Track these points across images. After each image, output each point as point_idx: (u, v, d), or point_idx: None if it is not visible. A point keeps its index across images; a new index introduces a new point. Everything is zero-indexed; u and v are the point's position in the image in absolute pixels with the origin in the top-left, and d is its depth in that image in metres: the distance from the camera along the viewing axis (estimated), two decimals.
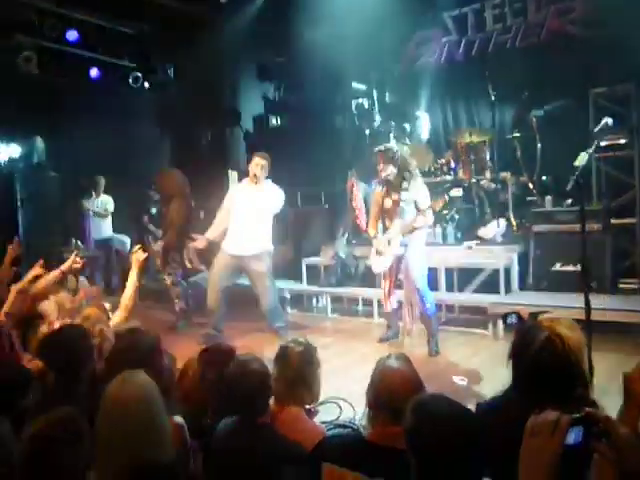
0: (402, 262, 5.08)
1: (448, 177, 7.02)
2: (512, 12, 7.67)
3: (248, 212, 5.51)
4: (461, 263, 6.35)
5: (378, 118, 8.23)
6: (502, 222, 6.49)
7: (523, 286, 6.12)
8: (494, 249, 6.30)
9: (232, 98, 9.79)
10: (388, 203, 5.12)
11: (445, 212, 6.82)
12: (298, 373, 2.45)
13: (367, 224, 5.70)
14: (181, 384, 2.62)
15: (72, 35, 7.95)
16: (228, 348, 2.71)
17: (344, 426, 2.56)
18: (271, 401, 2.36)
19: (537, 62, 6.92)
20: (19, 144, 7.99)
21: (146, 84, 9.01)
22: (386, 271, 5.19)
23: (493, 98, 6.87)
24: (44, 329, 3.27)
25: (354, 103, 8.51)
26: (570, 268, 5.67)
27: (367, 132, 8.16)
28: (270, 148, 5.78)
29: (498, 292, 5.96)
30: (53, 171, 8.19)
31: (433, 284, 5.90)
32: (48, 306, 3.47)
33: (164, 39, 8.67)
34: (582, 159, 3.37)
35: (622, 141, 6.00)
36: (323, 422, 2.57)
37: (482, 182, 6.85)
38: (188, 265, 6.65)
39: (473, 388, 4.10)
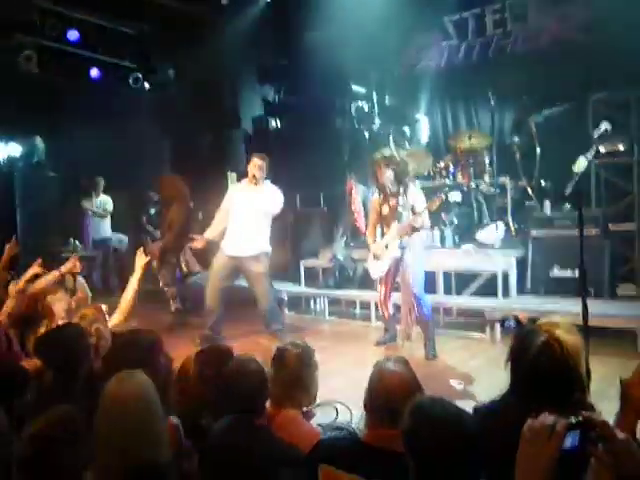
0: (399, 265, 5.08)
1: (447, 181, 7.03)
2: (512, 17, 7.68)
3: (247, 213, 5.51)
4: (459, 267, 6.36)
5: (378, 121, 8.25)
6: (501, 226, 6.49)
7: (521, 290, 6.12)
8: (492, 253, 6.30)
9: (232, 100, 9.79)
10: (385, 210, 5.16)
11: (443, 215, 6.83)
12: (295, 375, 2.44)
13: (366, 228, 5.72)
14: (178, 384, 2.62)
15: (73, 35, 7.95)
16: (226, 349, 2.71)
17: (341, 429, 2.56)
18: (268, 403, 2.36)
19: (537, 67, 6.93)
20: (19, 143, 7.99)
21: (146, 84, 9.02)
22: (383, 276, 5.21)
23: (493, 103, 6.88)
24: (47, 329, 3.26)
25: (354, 106, 8.52)
26: (568, 273, 5.68)
27: (366, 135, 8.16)
28: (269, 150, 5.79)
29: (496, 296, 5.96)
30: (52, 171, 8.20)
31: (431, 287, 5.91)
32: (58, 307, 3.47)
33: (165, 40, 8.68)
34: (581, 164, 3.39)
35: (621, 147, 6.01)
36: (320, 425, 2.57)
37: (481, 186, 6.86)
38: (184, 268, 6.67)
39: (470, 392, 4.10)
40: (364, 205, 7.14)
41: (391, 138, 7.57)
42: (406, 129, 8.02)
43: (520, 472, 1.22)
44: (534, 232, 6.22)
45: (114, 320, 3.50)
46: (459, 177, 6.97)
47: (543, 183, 6.72)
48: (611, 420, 1.54)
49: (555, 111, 6.59)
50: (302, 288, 7.44)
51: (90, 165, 8.34)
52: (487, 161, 6.87)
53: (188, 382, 2.59)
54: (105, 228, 8.82)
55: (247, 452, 2.05)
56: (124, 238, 8.85)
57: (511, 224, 6.57)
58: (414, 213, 4.97)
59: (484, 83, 7.14)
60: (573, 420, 1.19)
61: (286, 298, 7.16)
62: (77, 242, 8.22)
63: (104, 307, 3.44)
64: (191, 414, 2.37)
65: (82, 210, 8.68)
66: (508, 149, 6.97)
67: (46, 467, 1.62)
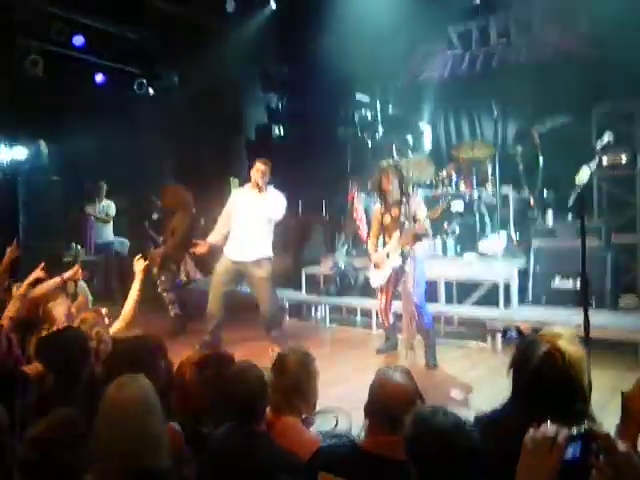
0: (400, 274, 5.08)
1: (450, 190, 7.03)
2: (517, 28, 7.73)
3: (250, 218, 5.53)
4: (461, 276, 6.35)
5: (381, 130, 8.28)
6: (503, 236, 6.50)
7: (522, 301, 6.11)
8: (494, 263, 6.30)
9: (235, 107, 9.83)
10: (387, 219, 5.16)
11: (445, 225, 6.83)
12: (295, 382, 2.44)
13: (367, 237, 5.72)
14: (177, 390, 2.61)
15: (78, 40, 8.00)
16: (226, 354, 2.71)
17: (340, 436, 2.55)
18: (268, 410, 2.35)
19: (541, 78, 6.96)
20: (23, 147, 8.01)
21: (150, 90, 9.06)
22: (383, 285, 5.20)
23: (496, 113, 6.90)
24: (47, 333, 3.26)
25: (357, 114, 8.56)
26: (570, 284, 5.68)
27: (369, 144, 8.19)
28: (272, 157, 5.79)
29: (497, 306, 5.95)
30: (55, 175, 8.21)
31: (432, 296, 5.90)
32: (59, 312, 3.47)
33: (169, 47, 8.73)
34: (583, 175, 3.38)
35: (624, 159, 6.02)
36: (319, 432, 2.56)
37: (483, 196, 6.87)
38: (183, 278, 6.68)
39: (471, 401, 4.08)
40: (366, 213, 7.15)
41: (394, 147, 7.61)
42: (409, 138, 8.05)
43: None
44: (536, 242, 6.22)
45: (116, 326, 3.49)
46: (462, 187, 6.98)
47: (545, 194, 6.73)
48: (612, 432, 1.54)
49: (558, 122, 6.60)
50: (303, 295, 7.44)
51: (93, 170, 8.36)
52: (490, 171, 6.88)
53: (185, 387, 2.59)
54: (107, 233, 8.84)
55: (246, 459, 2.05)
56: (125, 241, 8.87)
57: (513, 234, 6.58)
58: (416, 222, 4.97)
59: (487, 93, 7.17)
60: (575, 431, 1.19)
61: (287, 305, 7.16)
62: (79, 246, 8.23)
63: (104, 311, 3.44)
64: (191, 420, 2.37)
65: (85, 214, 8.69)
66: (511, 159, 6.99)
67: (47, 469, 1.62)
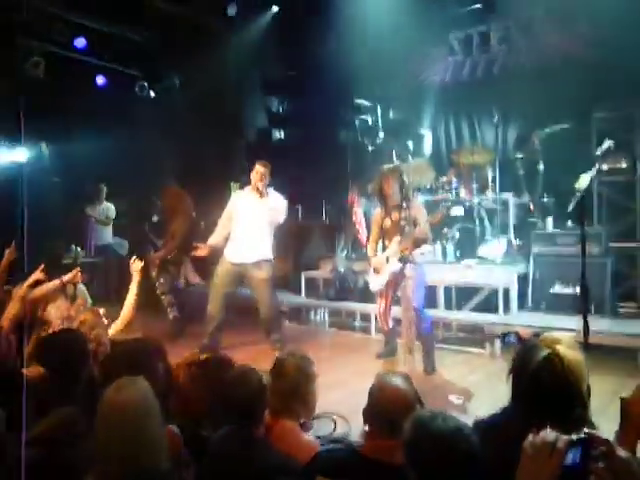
0: (400, 279, 5.07)
1: (450, 195, 7.04)
2: (517, 33, 7.75)
3: (250, 220, 5.54)
4: (460, 282, 6.35)
5: (381, 135, 8.28)
6: (502, 242, 6.50)
7: (522, 306, 6.11)
8: (494, 269, 6.30)
9: (236, 110, 9.84)
10: (387, 223, 5.14)
11: (445, 230, 6.83)
12: (294, 386, 2.43)
13: (367, 240, 5.72)
14: (175, 393, 2.61)
15: (80, 42, 8.02)
16: (226, 358, 2.70)
17: (339, 441, 2.55)
18: (266, 414, 2.35)
19: (542, 84, 6.97)
20: (24, 149, 8.01)
21: (152, 93, 9.08)
22: (382, 289, 5.19)
23: (496, 118, 6.91)
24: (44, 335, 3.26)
25: (357, 119, 8.57)
26: (570, 290, 5.68)
27: (370, 148, 8.20)
28: (272, 161, 5.80)
29: (496, 312, 5.95)
30: (56, 177, 8.21)
31: (431, 302, 5.90)
32: (53, 314, 3.47)
33: (171, 49, 8.74)
34: (583, 181, 3.39)
35: (624, 165, 6.03)
36: (318, 436, 2.56)
37: (484, 202, 6.87)
38: (182, 282, 6.69)
39: (469, 407, 4.07)
40: (366, 218, 7.14)
41: (394, 152, 7.62)
42: (409, 143, 8.06)
43: None
44: (536, 248, 6.23)
45: (115, 327, 3.49)
46: (462, 192, 6.99)
47: (545, 199, 6.74)
48: (611, 438, 1.53)
49: (559, 128, 6.61)
50: (302, 299, 7.44)
51: (93, 172, 8.36)
52: (490, 176, 6.89)
53: (180, 389, 2.58)
54: (107, 235, 8.84)
55: (245, 462, 2.04)
56: (125, 243, 8.87)
57: (513, 239, 6.58)
58: (416, 227, 4.97)
59: (488, 99, 7.19)
60: (574, 437, 1.18)
61: (286, 309, 7.15)
62: (79, 248, 8.22)
63: (101, 311, 3.43)
64: (190, 423, 2.36)
65: (85, 216, 8.70)
66: (511, 165, 7.00)
67: (49, 468, 1.62)
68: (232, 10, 8.41)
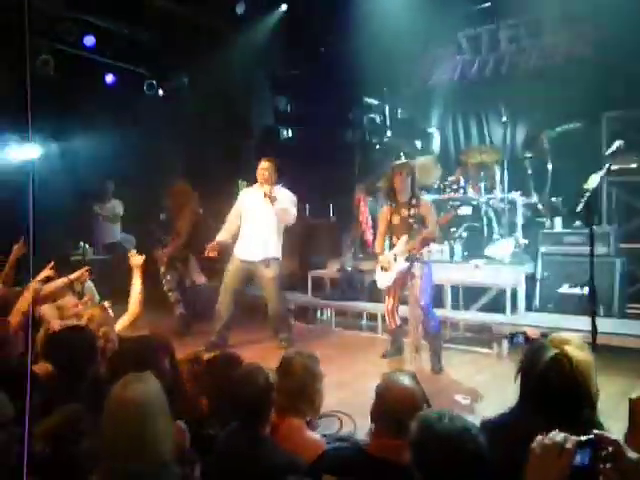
0: (408, 278, 5.05)
1: (457, 195, 7.01)
2: (527, 33, 7.71)
3: (258, 218, 5.57)
4: (468, 281, 6.33)
5: (389, 134, 8.27)
6: (510, 242, 6.47)
7: (529, 307, 6.08)
8: (501, 268, 6.27)
9: (244, 109, 9.85)
10: (396, 219, 5.09)
11: (453, 230, 6.81)
12: (300, 385, 2.44)
13: (374, 240, 5.70)
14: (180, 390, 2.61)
15: (89, 40, 8.05)
16: (235, 356, 2.71)
17: (345, 439, 2.55)
18: (273, 413, 2.35)
19: (551, 83, 6.93)
20: (33, 147, 8.05)
21: (160, 91, 9.10)
22: (390, 287, 5.16)
23: (505, 118, 6.88)
24: (41, 333, 3.27)
25: (365, 118, 8.56)
26: (578, 290, 5.64)
27: (377, 147, 8.18)
28: (279, 160, 5.81)
29: (504, 312, 5.92)
30: (64, 174, 8.24)
31: (439, 301, 5.88)
32: (48, 310, 3.48)
33: (180, 48, 8.76)
34: (592, 182, 3.36)
35: (633, 166, 5.99)
36: (324, 435, 2.56)
37: (491, 201, 6.85)
38: (188, 281, 6.71)
39: (475, 407, 4.06)
40: (373, 217, 7.13)
41: (402, 151, 7.60)
42: (417, 142, 8.03)
43: None
44: (544, 248, 6.19)
45: (123, 322, 3.50)
46: (470, 191, 6.96)
47: (554, 199, 6.70)
48: (620, 439, 1.52)
49: (568, 127, 6.57)
50: (309, 298, 7.44)
51: (101, 169, 8.39)
52: (498, 176, 6.85)
53: (193, 389, 2.59)
54: (115, 232, 8.88)
55: (251, 461, 2.05)
56: (132, 238, 8.90)
57: (521, 240, 6.54)
58: (425, 226, 4.95)
59: (497, 98, 7.15)
60: (583, 438, 1.18)
61: (293, 307, 7.15)
62: (87, 245, 8.26)
63: (107, 304, 3.44)
64: (197, 421, 2.37)
65: (93, 214, 8.74)
66: (519, 164, 6.97)
67: (56, 464, 1.62)
68: (240, 9, 8.41)
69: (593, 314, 3.30)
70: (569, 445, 1.17)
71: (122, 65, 8.68)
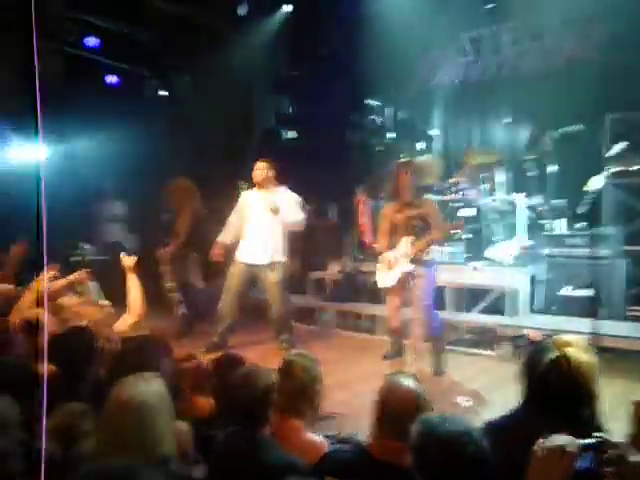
0: (410, 279, 5.03)
1: (459, 197, 7.00)
2: (529, 35, 7.71)
3: (259, 220, 5.56)
4: (469, 283, 6.32)
5: (390, 135, 8.27)
6: (512, 243, 6.45)
7: (532, 309, 6.06)
8: (503, 270, 6.26)
9: (246, 110, 9.85)
10: (399, 219, 5.05)
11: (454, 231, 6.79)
12: (301, 386, 2.43)
13: (374, 239, 5.68)
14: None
15: (92, 41, 8.07)
16: (239, 357, 2.71)
17: (346, 441, 2.54)
18: (272, 413, 2.34)
19: (553, 85, 6.93)
20: (36, 147, 8.06)
21: (162, 92, 9.11)
22: (394, 286, 5.13)
23: (507, 119, 6.88)
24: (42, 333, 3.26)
25: (367, 119, 8.55)
26: (580, 293, 5.62)
27: (378, 148, 8.18)
28: (280, 161, 5.81)
29: (506, 314, 5.90)
30: (66, 174, 8.25)
31: (440, 303, 5.86)
32: (43, 311, 3.47)
33: (182, 49, 8.77)
34: (594, 184, 3.36)
35: (636, 167, 5.97)
36: (325, 436, 2.55)
37: (493, 203, 6.83)
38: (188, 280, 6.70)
39: (477, 409, 4.05)
40: (373, 219, 7.09)
41: (402, 152, 7.59)
42: (418, 144, 8.02)
43: None
44: (546, 250, 6.17)
45: (126, 322, 3.48)
46: (471, 193, 6.95)
47: (556, 201, 6.69)
48: (622, 442, 1.51)
49: (571, 129, 6.56)
50: (310, 299, 7.42)
51: (104, 170, 8.40)
52: (500, 178, 6.84)
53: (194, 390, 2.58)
54: (117, 232, 8.89)
55: (251, 462, 2.04)
56: (133, 239, 8.91)
57: (523, 242, 6.52)
58: (428, 226, 4.93)
59: (499, 100, 7.17)
60: (586, 441, 1.17)
61: (294, 309, 7.13)
62: (89, 246, 8.26)
63: (105, 303, 3.42)
64: (200, 421, 2.36)
65: (94, 214, 8.75)
66: (521, 166, 6.96)
67: (56, 463, 1.62)
68: (242, 10, 8.42)
69: (595, 316, 3.29)
70: (572, 448, 1.16)
71: (124, 66, 8.69)
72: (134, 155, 8.43)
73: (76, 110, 8.07)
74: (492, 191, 6.90)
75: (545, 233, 6.38)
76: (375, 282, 5.42)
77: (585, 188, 3.22)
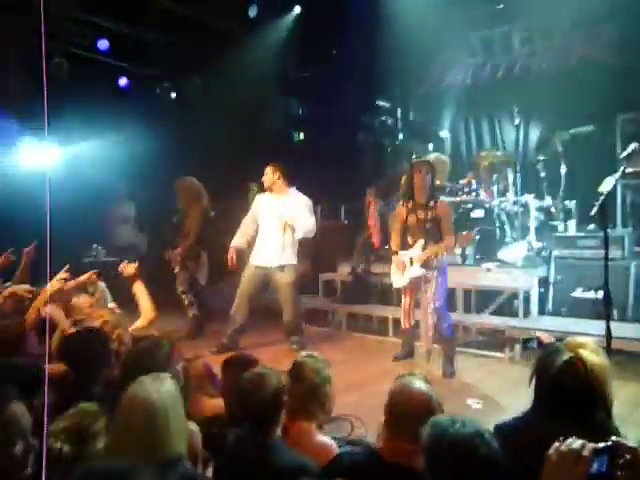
0: (423, 281, 5.01)
1: (470, 198, 6.97)
2: (540, 36, 7.67)
3: (273, 223, 5.60)
4: (480, 285, 6.29)
5: (401, 136, 8.26)
6: (523, 245, 6.42)
7: (542, 311, 6.02)
8: (514, 272, 6.23)
9: (257, 111, 9.87)
10: (412, 220, 5.04)
11: (465, 233, 6.76)
12: (311, 388, 2.43)
13: (385, 240, 5.67)
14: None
15: (103, 44, 8.12)
16: (252, 359, 2.71)
17: (356, 443, 2.54)
18: (283, 415, 2.34)
19: (564, 86, 6.89)
20: (47, 149, 8.12)
21: (173, 94, 9.15)
22: (407, 286, 5.12)
23: (518, 120, 6.84)
24: (57, 334, 3.28)
25: (377, 120, 8.55)
26: (591, 294, 5.57)
27: (389, 150, 8.17)
28: (291, 162, 5.84)
29: (516, 316, 5.87)
30: (77, 177, 8.30)
31: (451, 305, 5.84)
32: (56, 313, 3.49)
33: (192, 51, 8.80)
34: (607, 185, 3.33)
35: None
36: (335, 438, 2.55)
37: (504, 204, 6.80)
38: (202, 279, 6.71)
39: (487, 411, 4.03)
40: (383, 220, 7.07)
41: (413, 153, 7.58)
42: (429, 145, 8.00)
43: None
44: (557, 252, 6.13)
45: (136, 326, 3.50)
46: (482, 194, 6.92)
47: (568, 202, 6.65)
48: (636, 445, 1.50)
49: (582, 130, 6.52)
50: (320, 301, 7.42)
51: (114, 171, 8.44)
52: (511, 179, 6.81)
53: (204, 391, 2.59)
54: (128, 234, 8.94)
55: (261, 464, 2.04)
56: (144, 242, 8.96)
57: (534, 243, 6.49)
58: (440, 230, 4.91)
59: (509, 100, 7.13)
60: (601, 445, 1.16)
61: (304, 311, 7.14)
62: (99, 248, 8.31)
63: (114, 305, 3.43)
64: (210, 421, 2.37)
65: (106, 216, 8.80)
66: (533, 167, 6.93)
67: (68, 462, 1.63)
68: (253, 12, 8.44)
69: (607, 318, 3.26)
70: (586, 452, 1.15)
71: (135, 68, 8.74)
72: (145, 157, 8.48)
73: (87, 112, 8.13)
74: (504, 192, 6.86)
75: (556, 234, 6.34)
76: (385, 284, 5.42)
77: (600, 189, 3.18)
